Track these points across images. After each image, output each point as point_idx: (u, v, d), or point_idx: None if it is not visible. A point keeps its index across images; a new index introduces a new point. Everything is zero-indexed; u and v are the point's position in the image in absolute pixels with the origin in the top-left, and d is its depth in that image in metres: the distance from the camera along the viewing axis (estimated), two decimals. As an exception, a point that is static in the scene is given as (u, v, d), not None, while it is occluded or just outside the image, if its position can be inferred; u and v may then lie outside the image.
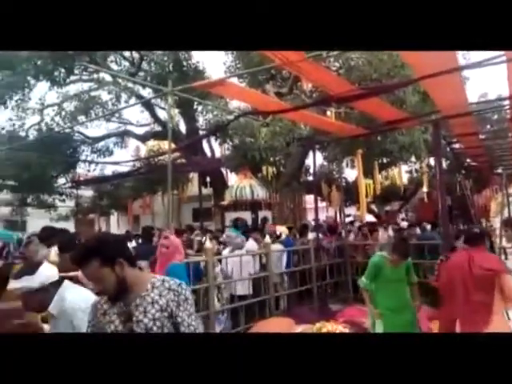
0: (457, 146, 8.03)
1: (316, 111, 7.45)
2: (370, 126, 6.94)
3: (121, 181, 14.38)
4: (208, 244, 5.25)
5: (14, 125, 11.66)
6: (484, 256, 3.27)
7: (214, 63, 15.46)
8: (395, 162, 11.14)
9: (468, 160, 10.23)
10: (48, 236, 3.92)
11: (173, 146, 10.87)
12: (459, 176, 11.17)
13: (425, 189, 12.58)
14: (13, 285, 1.97)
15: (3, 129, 11.65)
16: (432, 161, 10.86)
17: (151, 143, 14.79)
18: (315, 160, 9.19)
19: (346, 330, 4.83)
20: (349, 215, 12.26)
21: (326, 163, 14.60)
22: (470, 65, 4.34)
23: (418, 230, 8.43)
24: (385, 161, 11.08)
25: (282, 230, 7.86)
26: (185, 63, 10.36)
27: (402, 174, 12.83)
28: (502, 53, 3.29)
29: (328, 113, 8.48)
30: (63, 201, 14.14)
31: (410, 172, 14.22)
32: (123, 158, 14.39)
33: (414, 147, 8.72)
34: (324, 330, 4.45)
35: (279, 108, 6.03)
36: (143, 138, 14.36)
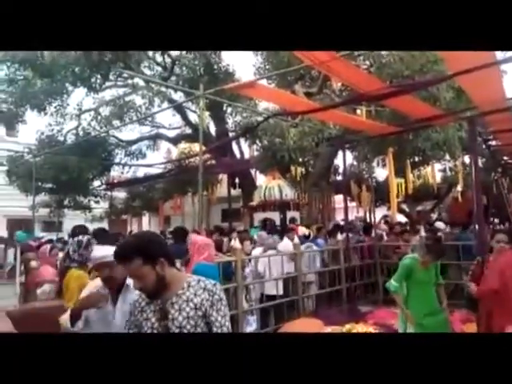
0: (493, 143, 7.78)
1: (346, 110, 7.40)
2: (401, 123, 6.83)
3: (152, 182, 14.75)
4: (237, 244, 5.30)
5: (52, 130, 12.21)
6: None
7: (243, 65, 15.57)
8: (428, 160, 10.84)
9: (505, 157, 9.87)
10: (102, 236, 4.07)
11: (203, 148, 11.12)
12: (496, 174, 10.78)
13: (459, 188, 12.21)
14: None
15: (43, 134, 12.20)
16: (467, 159, 10.54)
17: (182, 145, 15.10)
18: (345, 159, 9.11)
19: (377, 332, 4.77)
20: (386, 216, 12.06)
21: (355, 163, 14.43)
22: (508, 58, 4.21)
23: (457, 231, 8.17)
24: (417, 159, 10.81)
25: (303, 230, 7.81)
26: (215, 66, 10.54)
27: (434, 172, 12.48)
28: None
29: (358, 111, 8.40)
30: (98, 202, 14.67)
31: (444, 170, 13.85)
32: (155, 160, 14.71)
33: (448, 145, 8.47)
34: (354, 332, 4.42)
35: (308, 108, 6.04)
36: (174, 141, 14.68)
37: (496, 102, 4.67)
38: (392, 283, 3.82)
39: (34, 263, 4.30)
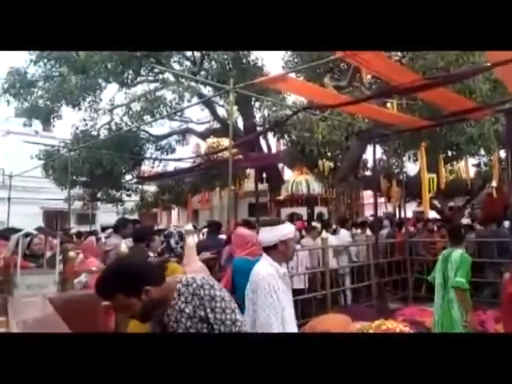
0: (532, 136, 7.45)
1: (376, 103, 7.27)
2: (434, 117, 6.66)
3: (182, 177, 14.99)
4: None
5: (86, 125, 12.59)
6: None
7: (272, 58, 15.53)
8: (461, 155, 10.49)
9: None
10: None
11: (232, 142, 11.19)
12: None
13: (494, 183, 11.76)
14: None
15: (77, 129, 12.60)
16: (503, 153, 10.14)
17: (210, 140, 15.24)
18: (375, 154, 8.95)
19: (407, 329, 4.70)
20: (418, 212, 11.79)
21: (385, 157, 14.14)
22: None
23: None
24: (450, 154, 10.49)
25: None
26: (244, 60, 10.56)
27: (468, 167, 12.07)
28: None
29: (388, 105, 8.22)
30: (129, 195, 15.05)
31: (478, 165, 13.38)
32: (184, 154, 14.91)
33: (484, 139, 8.18)
34: (383, 328, 4.36)
35: (338, 101, 5.97)
36: (203, 136, 14.85)
37: (537, 94, 4.49)
38: (462, 281, 3.73)
39: (71, 253, 4.45)
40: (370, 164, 14.20)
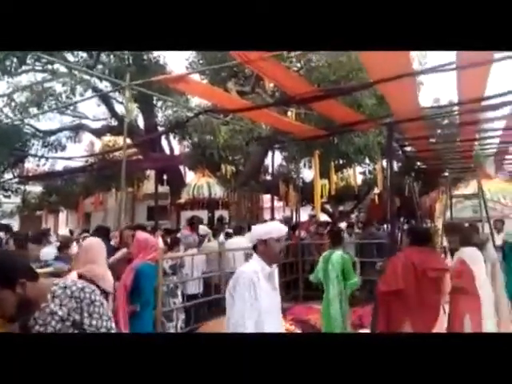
0: (408, 149, 8.43)
1: (277, 111, 7.54)
2: (327, 127, 7.12)
3: (72, 176, 13.81)
4: (160, 243, 5.13)
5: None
6: (430, 255, 3.35)
7: (175, 58, 15.19)
8: (350, 163, 11.49)
9: (418, 163, 10.76)
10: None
11: (130, 141, 10.61)
12: (409, 178, 11.72)
13: (376, 190, 13.09)
14: None
15: None
16: (385, 163, 11.31)
17: (107, 138, 14.32)
18: (273, 160, 9.33)
19: (293, 328, 4.96)
20: (313, 216, 12.52)
21: (284, 163, 14.80)
22: (423, 70, 4.59)
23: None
24: (341, 162, 11.40)
25: (205, 229, 7.67)
26: (145, 57, 10.13)
27: (356, 175, 13.27)
28: (453, 60, 3.51)
29: (289, 113, 8.60)
30: (8, 197, 13.38)
31: (364, 173, 14.75)
32: (76, 153, 13.77)
33: (368, 149, 9.04)
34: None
35: (240, 106, 6.04)
36: (98, 133, 13.85)
37: (411, 111, 5.06)
38: (354, 281, 4.16)
39: None
40: (270, 169, 14.73)
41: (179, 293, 5.12)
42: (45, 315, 1.49)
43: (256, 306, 2.21)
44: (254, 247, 2.43)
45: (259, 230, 2.43)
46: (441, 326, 3.19)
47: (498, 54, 3.38)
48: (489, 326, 3.57)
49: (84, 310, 1.51)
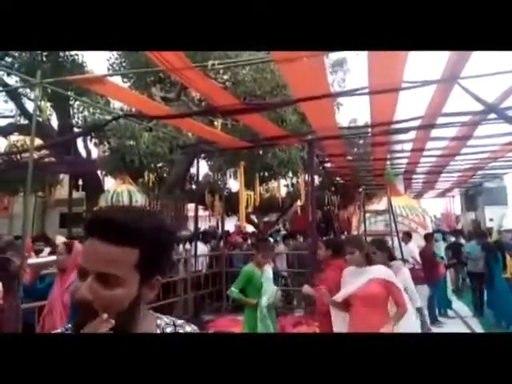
0: (328, 164, 8.83)
1: (202, 120, 7.43)
2: (252, 139, 7.18)
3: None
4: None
5: None
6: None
7: (95, 58, 14.38)
8: (275, 175, 11.74)
9: (337, 178, 11.34)
10: None
11: (41, 142, 9.74)
12: (328, 192, 12.30)
13: (299, 202, 13.52)
14: None
15: None
16: (307, 177, 11.74)
17: (14, 138, 13.02)
18: (198, 169, 9.19)
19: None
20: (239, 226, 12.51)
21: (210, 172, 14.69)
22: (340, 92, 4.81)
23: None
24: (266, 174, 11.60)
25: (61, 239, 7.28)
26: (61, 54, 9.40)
27: (280, 187, 13.58)
28: (366, 85, 3.71)
29: (215, 123, 8.53)
30: None
31: (288, 186, 15.16)
32: (-23, 151, 12.34)
33: (291, 163, 9.31)
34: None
35: (164, 113, 5.85)
36: (5, 132, 12.53)
37: (330, 129, 5.28)
38: (230, 289, 4.17)
39: None
40: (195, 178, 14.53)
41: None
42: None
43: None
44: None
45: None
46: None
47: (405, 84, 3.63)
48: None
49: None
